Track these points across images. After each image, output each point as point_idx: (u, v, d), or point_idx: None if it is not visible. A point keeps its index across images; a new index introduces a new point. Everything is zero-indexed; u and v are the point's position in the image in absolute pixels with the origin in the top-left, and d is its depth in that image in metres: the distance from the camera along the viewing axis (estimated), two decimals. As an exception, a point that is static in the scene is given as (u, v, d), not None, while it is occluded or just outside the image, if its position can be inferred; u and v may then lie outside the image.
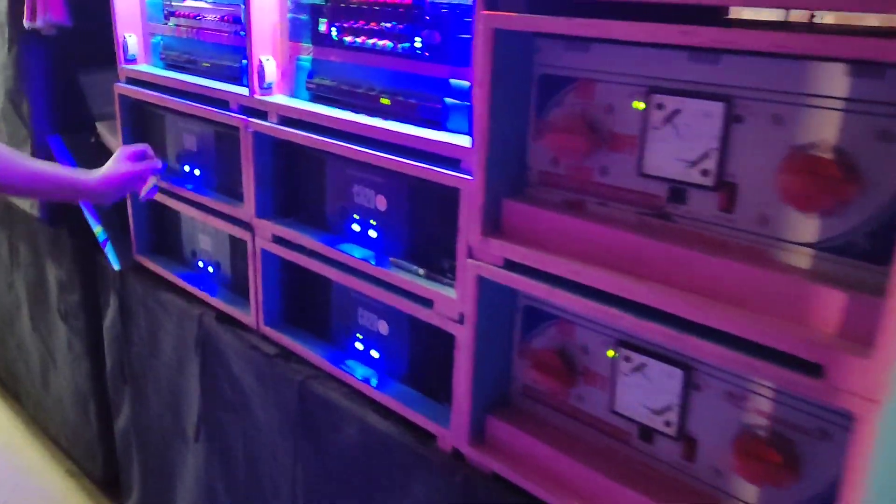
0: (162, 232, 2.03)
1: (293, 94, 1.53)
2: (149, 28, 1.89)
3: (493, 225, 1.14)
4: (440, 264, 1.28)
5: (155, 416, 2.09)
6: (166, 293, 1.92)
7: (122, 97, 1.92)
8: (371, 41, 1.31)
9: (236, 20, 1.60)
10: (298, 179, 1.55)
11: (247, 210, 1.59)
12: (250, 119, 1.53)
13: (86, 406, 2.53)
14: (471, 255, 1.17)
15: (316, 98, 1.48)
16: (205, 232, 1.85)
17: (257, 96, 1.51)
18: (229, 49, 1.66)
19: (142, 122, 1.94)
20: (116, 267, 2.04)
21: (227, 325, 1.73)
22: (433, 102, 1.25)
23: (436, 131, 1.24)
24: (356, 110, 1.38)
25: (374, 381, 1.43)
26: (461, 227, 1.17)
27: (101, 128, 2.10)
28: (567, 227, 1.07)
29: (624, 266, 1.02)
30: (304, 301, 1.62)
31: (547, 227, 1.09)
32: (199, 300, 1.84)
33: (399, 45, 1.27)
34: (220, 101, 1.61)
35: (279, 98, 1.51)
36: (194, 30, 1.73)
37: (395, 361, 1.44)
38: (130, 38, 1.88)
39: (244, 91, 1.55)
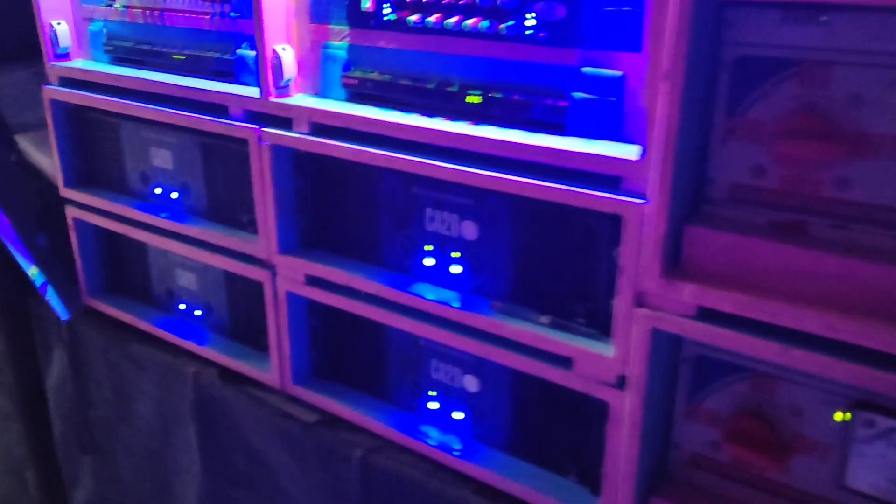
0: (119, 267, 1.62)
1: (320, 93, 1.17)
2: (83, 12, 1.46)
3: (673, 261, 0.86)
4: (570, 309, 0.99)
5: (131, 490, 1.71)
6: (138, 345, 1.53)
7: (55, 103, 1.48)
8: (452, 20, 0.98)
9: (225, -2, 1.22)
10: (335, 203, 1.20)
11: (263, 245, 1.24)
12: (264, 129, 1.16)
13: (20, 475, 2.10)
14: (642, 303, 0.88)
15: (355, 97, 1.13)
16: (186, 267, 1.47)
17: (275, 98, 1.15)
18: (212, 37, 1.28)
19: (85, 133, 1.52)
20: (64, 316, 1.62)
21: (237, 386, 1.37)
22: (554, 99, 0.94)
23: (555, 137, 0.93)
24: (424, 112, 1.05)
25: (457, 449, 1.14)
26: (625, 265, 0.88)
27: (24, 142, 1.65)
28: (788, 258, 0.80)
29: (875, 308, 0.76)
30: (345, 352, 1.29)
31: (757, 261, 0.82)
32: (185, 352, 1.47)
33: (502, 25, 0.95)
34: (214, 107, 1.23)
35: (304, 99, 1.16)
36: (156, 12, 1.33)
37: (490, 425, 1.14)
38: (60, 26, 1.45)
39: (251, 92, 1.19)
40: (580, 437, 1.04)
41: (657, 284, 0.86)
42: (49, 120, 1.49)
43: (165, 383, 1.49)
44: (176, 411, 1.49)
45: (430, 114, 1.05)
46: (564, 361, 0.97)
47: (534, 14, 0.92)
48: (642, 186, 0.85)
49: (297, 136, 1.13)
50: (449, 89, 1.03)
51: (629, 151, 0.87)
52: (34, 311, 1.75)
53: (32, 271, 1.63)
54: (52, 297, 1.62)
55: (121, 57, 1.43)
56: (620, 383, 0.93)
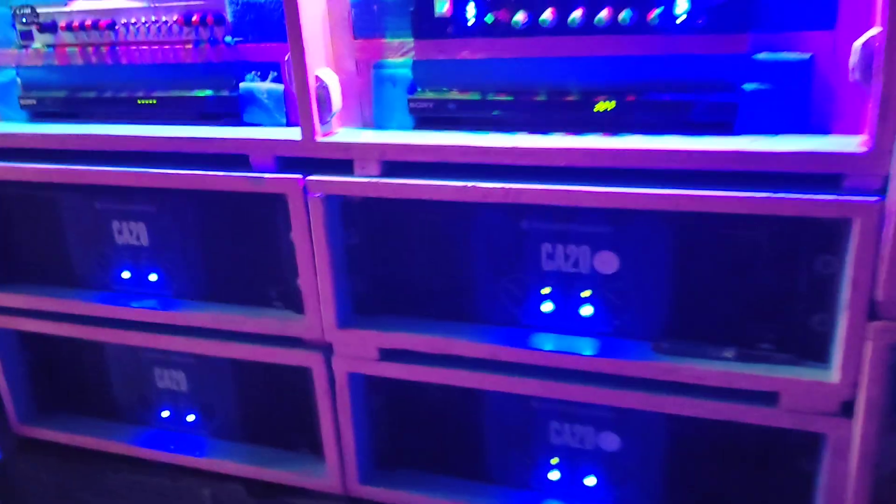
0: (59, 382, 1.26)
1: (372, 125, 0.95)
2: (-22, 59, 1.11)
3: (908, 263, 0.75)
4: (754, 337, 0.85)
5: None
6: (112, 473, 1.20)
7: (-47, 182, 1.12)
8: (576, 14, 0.81)
9: (217, 19, 0.95)
10: (404, 257, 0.97)
11: (313, 321, 0.98)
12: (310, 178, 0.92)
13: None
14: (876, 315, 0.76)
15: (424, 122, 0.92)
16: (169, 365, 1.16)
17: (323, 138, 0.91)
18: (197, 70, 1.00)
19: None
20: (-7, 457, 1.24)
21: (278, 501, 1.10)
22: (717, 94, 0.80)
23: (722, 139, 0.79)
24: (533, 130, 0.87)
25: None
26: (856, 274, 0.75)
27: None
28: None
29: None
30: (421, 434, 1.06)
31: None
32: (188, 471, 1.16)
33: (651, 14, 0.79)
34: (218, 158, 0.96)
35: (360, 134, 0.93)
36: (104, 48, 1.02)
37: (636, 486, 0.97)
38: (-49, 87, 1.09)
39: (282, 134, 0.94)
40: (769, 484, 0.90)
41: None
42: (-55, 205, 1.12)
43: (165, 515, 1.17)
44: (181, 546, 1.18)
45: (541, 131, 0.86)
46: (768, 398, 0.83)
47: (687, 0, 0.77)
48: (872, 182, 0.73)
49: (365, 180, 0.90)
50: (567, 99, 0.85)
51: (847, 144, 0.74)
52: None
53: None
54: (-30, 436, 1.23)
55: (47, 111, 1.10)
56: (846, 410, 0.81)
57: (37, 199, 1.13)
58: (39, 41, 1.06)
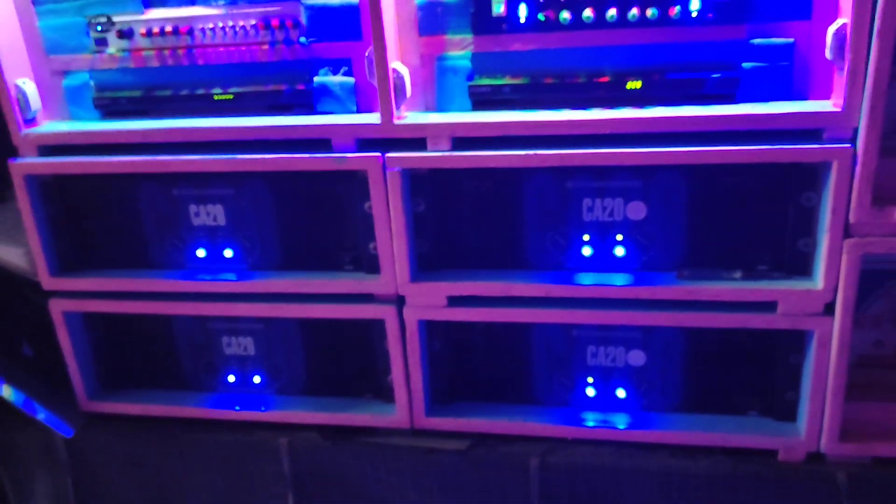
0: (122, 360, 1.38)
1: (435, 108, 1.13)
2: (53, 65, 1.21)
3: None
4: (754, 261, 1.09)
5: None
6: (188, 434, 1.33)
7: (31, 179, 1.22)
8: (610, 13, 1.02)
9: (293, 22, 1.11)
10: (464, 219, 1.16)
11: (387, 279, 1.16)
12: (388, 155, 1.09)
13: None
14: (849, 234, 1.01)
15: (481, 104, 1.11)
16: (238, 332, 1.30)
17: (401, 121, 1.08)
18: (270, 68, 1.15)
19: (71, 209, 1.26)
20: (67, 433, 1.34)
21: (353, 440, 1.27)
22: (723, 71, 1.03)
23: (731, 106, 1.03)
24: (575, 107, 1.08)
25: (634, 423, 1.19)
26: (835, 203, 1.00)
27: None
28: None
29: None
30: (475, 369, 1.25)
31: (939, 177, 1.00)
32: (262, 425, 1.31)
33: (673, 10, 1.01)
34: (295, 143, 1.12)
35: (429, 116, 1.11)
36: (181, 51, 1.16)
37: (659, 392, 1.20)
38: (27, 85, 1.19)
39: (361, 119, 1.10)
40: (764, 376, 1.15)
41: (868, 214, 0.99)
42: (23, 200, 1.22)
43: (242, 468, 1.31)
44: (256, 495, 1.32)
45: (582, 107, 1.07)
46: (768, 306, 1.07)
47: (699, -2, 1.00)
48: (845, 133, 0.98)
49: (438, 154, 1.08)
50: (602, 80, 1.06)
51: (825, 105, 0.99)
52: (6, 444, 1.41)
53: (5, 391, 1.32)
54: (44, 415, 1.33)
55: (122, 110, 1.21)
56: (828, 310, 1.06)
57: (111, 190, 1.24)
58: (114, 46, 1.17)
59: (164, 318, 1.32)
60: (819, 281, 1.05)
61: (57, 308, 1.29)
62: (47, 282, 1.28)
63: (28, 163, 1.21)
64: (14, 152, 1.21)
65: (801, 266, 1.07)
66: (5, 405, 1.32)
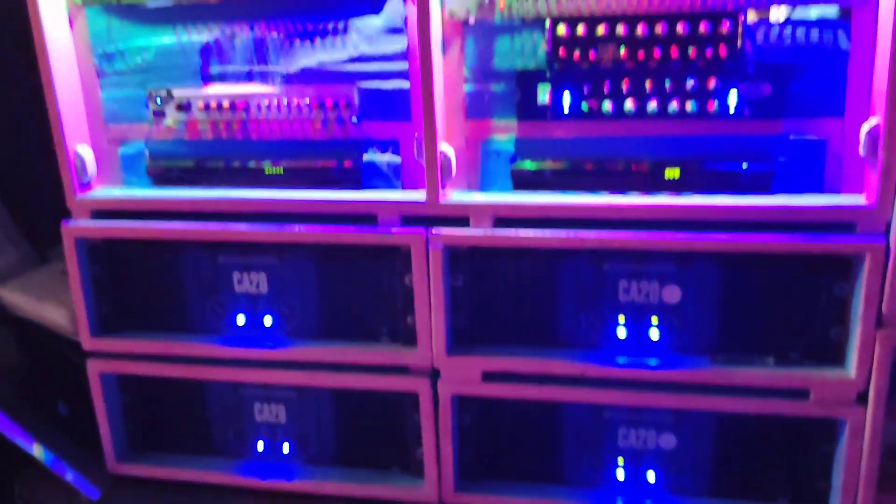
0: (153, 423, 1.39)
1: (478, 188, 1.17)
2: (111, 134, 1.27)
3: (905, 285, 1.03)
4: (786, 348, 1.11)
5: None
6: (211, 501, 1.33)
7: (81, 242, 1.26)
8: (652, 105, 1.07)
9: (347, 103, 1.16)
10: (498, 295, 1.19)
11: (424, 351, 1.18)
12: (433, 231, 1.13)
13: None
14: (881, 324, 1.04)
15: (523, 186, 1.15)
16: (271, 399, 1.32)
17: (446, 199, 1.12)
18: (321, 145, 1.20)
19: (116, 272, 1.30)
20: (94, 495, 1.34)
21: (377, 513, 1.27)
22: (759, 164, 1.07)
23: (766, 197, 1.07)
24: (613, 191, 1.12)
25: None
26: (867, 295, 1.03)
27: (7, 293, 1.35)
28: None
29: None
30: (504, 447, 1.26)
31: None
32: (286, 494, 1.31)
33: (711, 105, 1.06)
34: (340, 216, 1.16)
35: (472, 195, 1.15)
36: (236, 125, 1.21)
37: (690, 476, 1.21)
38: (85, 151, 1.24)
39: (408, 196, 1.15)
40: (794, 463, 1.15)
41: (900, 306, 1.02)
42: (72, 262, 1.26)
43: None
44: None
45: (621, 192, 1.11)
46: (801, 393, 1.09)
47: (737, 91, 1.05)
48: (878, 227, 1.01)
49: (481, 233, 1.12)
50: (639, 167, 1.11)
51: (858, 200, 1.02)
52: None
53: (35, 450, 1.33)
54: (73, 476, 1.33)
55: (174, 179, 1.26)
56: (860, 399, 1.07)
57: (157, 255, 1.28)
58: (171, 118, 1.23)
59: (199, 383, 1.33)
60: (852, 370, 1.06)
61: (94, 368, 1.31)
62: (88, 342, 1.30)
63: (80, 226, 1.25)
64: (65, 214, 1.26)
65: (834, 355, 1.09)
66: (35, 464, 1.33)
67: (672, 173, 1.10)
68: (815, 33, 1.03)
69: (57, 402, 1.37)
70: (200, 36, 1.21)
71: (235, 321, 1.27)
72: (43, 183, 1.33)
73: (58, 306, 1.32)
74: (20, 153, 1.50)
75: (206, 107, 1.21)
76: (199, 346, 1.27)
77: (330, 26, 1.17)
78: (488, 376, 1.18)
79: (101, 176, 1.28)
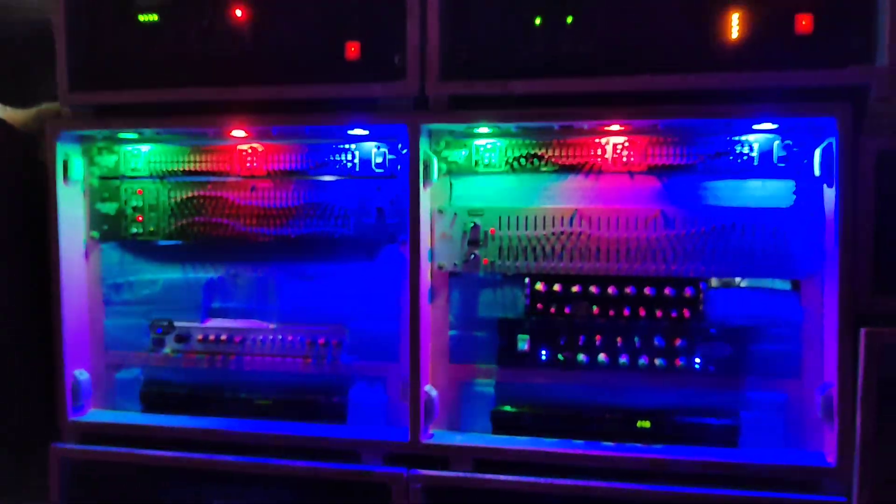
0: None
1: (459, 429, 1.22)
2: (110, 359, 1.33)
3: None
4: None
5: None
6: None
7: (66, 463, 1.27)
8: (622, 360, 1.15)
9: (338, 342, 1.24)
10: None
11: None
12: (412, 472, 1.16)
13: None
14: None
15: (503, 429, 1.20)
16: None
17: (428, 440, 1.17)
18: (311, 379, 1.26)
19: (96, 494, 1.30)
20: None
21: None
22: (727, 419, 1.14)
23: (730, 450, 1.12)
24: (588, 437, 1.17)
25: None
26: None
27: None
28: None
29: None
30: None
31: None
32: None
33: (678, 364, 1.14)
34: (328, 452, 1.20)
35: (454, 437, 1.19)
36: (231, 357, 1.28)
37: None
38: (82, 376, 1.29)
39: (393, 436, 1.19)
40: None
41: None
42: (55, 482, 1.27)
43: None
44: None
45: (596, 438, 1.16)
46: None
47: (700, 351, 1.13)
48: (841, 486, 1.06)
49: (460, 475, 1.15)
50: (613, 416, 1.17)
51: (820, 459, 1.08)
52: None
53: None
54: None
55: (166, 405, 1.30)
56: None
57: (140, 481, 1.29)
58: (170, 348, 1.29)
59: None
60: None
61: None
62: (58, 570, 1.28)
63: (68, 448, 1.27)
64: (55, 435, 1.28)
65: None
66: None
67: (643, 424, 1.15)
68: (771, 301, 1.13)
69: None
70: (206, 273, 1.30)
71: (211, 552, 1.26)
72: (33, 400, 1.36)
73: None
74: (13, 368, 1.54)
75: (205, 339, 1.28)
76: (171, 578, 1.25)
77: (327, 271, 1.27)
78: None
79: (95, 398, 1.32)
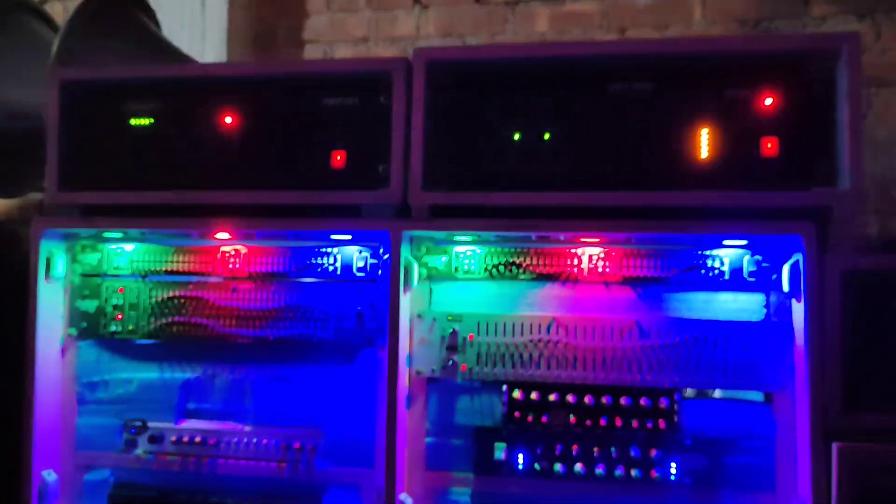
0: None
1: (434, 528, 1.20)
2: (80, 460, 1.30)
3: None
4: None
5: None
6: None
7: (27, 571, 1.23)
8: (599, 470, 1.15)
9: (313, 446, 1.23)
10: None
11: None
12: (385, 583, 1.14)
13: None
14: None
15: (479, 537, 1.19)
16: None
17: (402, 552, 1.15)
18: (283, 483, 1.24)
19: None
20: None
21: None
22: (703, 531, 1.13)
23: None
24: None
25: None
26: None
27: None
28: None
29: None
30: None
31: None
32: None
33: (654, 475, 1.14)
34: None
35: (428, 546, 1.18)
36: (205, 460, 1.26)
37: None
38: (50, 477, 1.26)
39: (365, 544, 1.17)
40: None
41: None
42: None
43: None
44: None
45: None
46: None
47: (675, 462, 1.14)
48: None
49: (434, 588, 1.13)
50: (593, 526, 1.16)
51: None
52: None
53: None
54: None
55: (132, 510, 1.27)
56: None
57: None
58: (142, 449, 1.27)
59: None
60: None
61: None
62: None
63: (29, 557, 1.23)
64: (16, 538, 1.25)
65: None
66: None
67: (622, 528, 1.15)
68: (744, 413, 1.15)
69: None
70: (183, 373, 1.30)
71: None
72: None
73: None
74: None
75: (179, 440, 1.26)
76: None
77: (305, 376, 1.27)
78: None
79: (61, 501, 1.29)
